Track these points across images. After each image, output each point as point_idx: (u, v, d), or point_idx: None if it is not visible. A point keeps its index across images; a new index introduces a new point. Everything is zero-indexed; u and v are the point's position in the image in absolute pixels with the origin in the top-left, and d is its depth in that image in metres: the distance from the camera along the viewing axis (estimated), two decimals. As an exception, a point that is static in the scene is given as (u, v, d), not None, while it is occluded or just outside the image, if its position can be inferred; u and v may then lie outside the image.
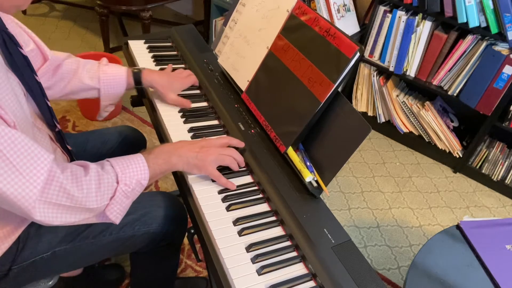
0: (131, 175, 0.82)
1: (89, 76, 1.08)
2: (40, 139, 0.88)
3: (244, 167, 0.99)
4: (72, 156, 1.00)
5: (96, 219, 0.82)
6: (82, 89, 1.10)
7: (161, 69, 1.25)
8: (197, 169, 0.92)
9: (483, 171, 2.18)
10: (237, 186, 0.94)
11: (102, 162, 0.82)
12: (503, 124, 1.99)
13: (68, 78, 1.08)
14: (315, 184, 0.92)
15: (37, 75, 0.86)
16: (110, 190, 0.79)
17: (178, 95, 1.16)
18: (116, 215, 0.82)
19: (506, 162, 2.09)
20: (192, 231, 0.94)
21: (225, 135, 1.07)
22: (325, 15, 2.12)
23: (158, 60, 1.31)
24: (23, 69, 0.81)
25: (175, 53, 1.37)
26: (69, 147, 0.98)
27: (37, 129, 0.87)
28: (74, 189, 0.74)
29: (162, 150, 0.90)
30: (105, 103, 1.14)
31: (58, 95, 1.10)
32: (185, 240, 1.40)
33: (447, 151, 2.25)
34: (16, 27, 0.94)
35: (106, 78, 1.09)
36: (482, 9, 1.83)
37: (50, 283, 1.02)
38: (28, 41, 0.99)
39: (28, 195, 0.69)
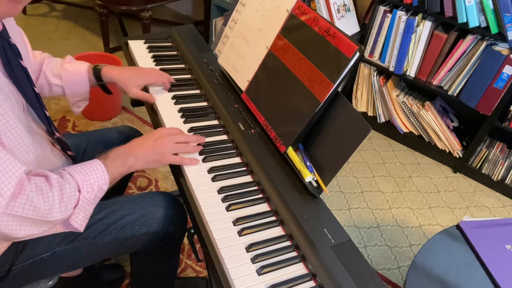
0: (91, 182, 0.82)
1: (52, 74, 1.09)
2: (45, 145, 0.88)
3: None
4: (74, 161, 1.00)
5: (61, 229, 0.81)
6: (48, 87, 1.10)
7: (161, 69, 1.25)
8: (158, 163, 0.93)
9: (483, 171, 2.18)
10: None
11: (60, 171, 0.81)
12: (503, 124, 1.99)
13: (36, 77, 1.08)
14: (315, 184, 0.92)
15: (35, 86, 0.86)
16: (73, 199, 0.79)
17: (177, 94, 1.16)
18: (80, 223, 0.81)
19: (506, 162, 2.09)
20: (192, 231, 0.94)
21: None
22: (325, 15, 2.12)
23: (158, 60, 1.31)
24: (21, 80, 0.81)
25: (175, 53, 1.37)
26: (69, 152, 0.98)
27: (40, 135, 0.87)
28: (40, 202, 0.73)
29: (118, 153, 0.90)
30: (73, 100, 1.14)
31: None
32: (185, 240, 1.40)
33: (447, 151, 2.25)
34: (21, 37, 0.94)
35: (68, 76, 1.09)
36: (482, 9, 1.83)
37: (50, 283, 1.02)
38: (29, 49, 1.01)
39: None
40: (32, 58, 1.06)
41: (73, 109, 1.17)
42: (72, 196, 0.79)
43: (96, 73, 1.12)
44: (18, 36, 0.92)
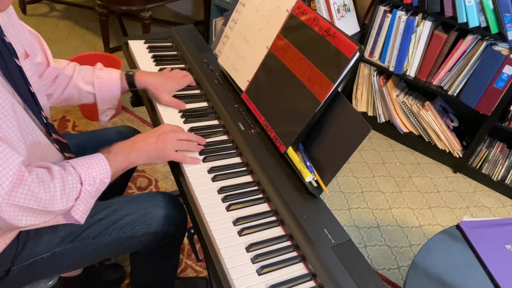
0: (94, 175, 0.83)
1: (83, 81, 1.09)
2: (43, 144, 0.88)
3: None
4: None
5: (62, 220, 0.82)
6: (78, 95, 1.11)
7: (161, 69, 1.25)
8: (160, 159, 0.94)
9: (483, 171, 2.18)
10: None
11: (63, 164, 0.82)
12: (503, 124, 1.99)
13: (65, 84, 1.09)
14: (315, 184, 0.92)
15: (31, 86, 0.86)
16: (75, 191, 0.80)
17: (177, 94, 1.16)
18: (81, 215, 0.82)
19: (506, 162, 2.09)
20: (192, 231, 0.94)
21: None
22: (325, 15, 2.12)
23: (158, 60, 1.31)
24: (17, 79, 0.80)
25: (175, 53, 1.37)
26: (67, 154, 0.97)
27: (39, 133, 0.87)
28: (42, 192, 0.73)
29: (121, 147, 0.91)
30: (103, 107, 1.15)
31: (57, 102, 1.11)
32: (185, 240, 1.40)
33: (447, 151, 2.25)
34: (28, 36, 0.94)
35: (100, 83, 1.10)
36: (482, 9, 1.83)
37: (50, 283, 1.02)
38: (38, 51, 1.01)
39: None
40: (51, 62, 1.07)
41: (101, 118, 1.18)
42: (74, 188, 0.79)
43: (129, 79, 1.12)
44: (22, 36, 0.92)
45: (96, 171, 0.83)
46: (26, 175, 0.72)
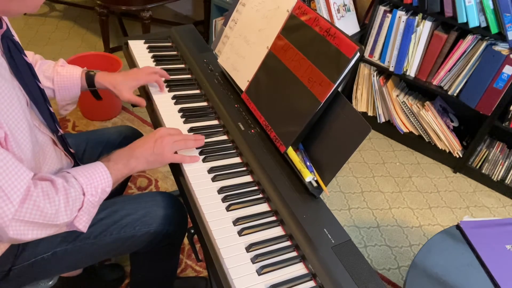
0: (95, 185, 0.83)
1: (44, 76, 1.09)
2: (44, 143, 0.88)
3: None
4: (75, 159, 1.00)
5: (65, 229, 0.82)
6: None
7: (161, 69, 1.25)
8: (158, 163, 0.94)
9: (483, 171, 2.18)
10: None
11: (63, 174, 0.82)
12: (503, 124, 1.99)
13: None
14: (315, 184, 0.92)
15: (40, 82, 0.86)
16: (78, 203, 0.80)
17: (177, 95, 1.16)
18: (84, 224, 0.82)
19: (506, 162, 2.09)
20: (192, 231, 0.94)
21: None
22: (325, 15, 2.12)
23: (158, 60, 1.31)
24: (26, 76, 0.81)
25: (175, 53, 1.37)
26: (71, 150, 0.98)
27: (41, 133, 0.87)
28: (47, 206, 0.74)
29: (120, 155, 0.91)
30: (62, 103, 1.14)
31: None
32: (185, 240, 1.40)
33: (447, 151, 2.25)
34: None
35: (60, 79, 1.09)
36: (482, 9, 1.83)
37: (50, 283, 1.02)
38: None
39: (4, 213, 0.69)
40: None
41: (60, 112, 1.17)
42: (77, 200, 0.79)
43: (89, 78, 1.12)
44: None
45: (98, 180, 0.83)
46: (32, 189, 0.72)
